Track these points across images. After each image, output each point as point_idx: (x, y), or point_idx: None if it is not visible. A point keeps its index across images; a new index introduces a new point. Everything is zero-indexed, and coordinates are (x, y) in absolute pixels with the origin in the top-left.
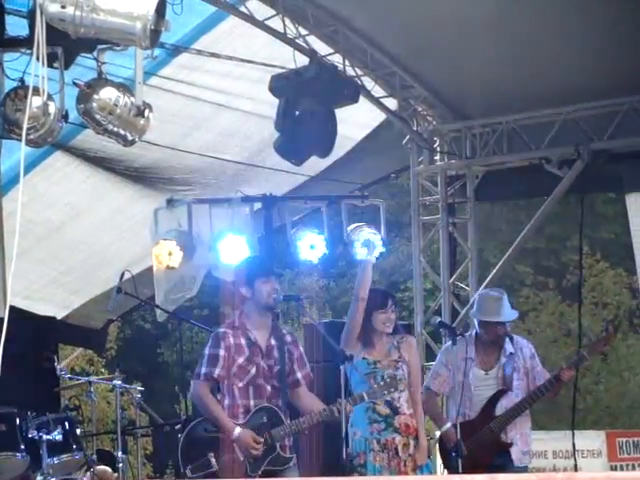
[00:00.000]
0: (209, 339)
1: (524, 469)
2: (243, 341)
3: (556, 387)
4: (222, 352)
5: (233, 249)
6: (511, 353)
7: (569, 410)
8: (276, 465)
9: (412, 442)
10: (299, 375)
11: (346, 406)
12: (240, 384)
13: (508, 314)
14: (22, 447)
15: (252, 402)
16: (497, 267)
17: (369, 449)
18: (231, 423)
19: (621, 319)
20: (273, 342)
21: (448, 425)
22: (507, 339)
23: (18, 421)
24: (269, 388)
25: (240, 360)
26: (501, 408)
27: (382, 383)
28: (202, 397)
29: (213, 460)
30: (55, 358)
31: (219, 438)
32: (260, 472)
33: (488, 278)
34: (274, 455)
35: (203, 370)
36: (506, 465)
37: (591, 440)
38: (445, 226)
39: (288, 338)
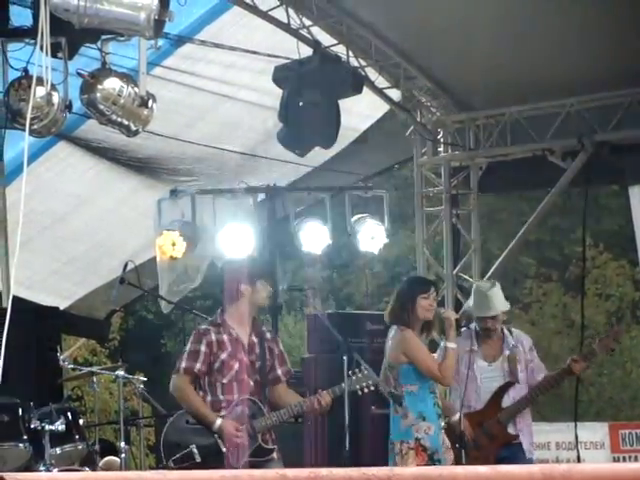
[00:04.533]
0: (191, 335)
1: (532, 460)
2: (225, 337)
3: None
4: (203, 348)
5: (236, 240)
6: (514, 345)
7: (572, 401)
8: (258, 456)
9: None
10: (279, 372)
11: (325, 397)
12: (224, 380)
13: (495, 307)
14: (25, 437)
15: (236, 397)
16: (500, 259)
17: (443, 444)
18: (211, 414)
19: (624, 311)
20: (254, 339)
21: (458, 416)
22: (507, 331)
23: (21, 411)
24: (252, 383)
25: (223, 356)
26: (509, 400)
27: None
28: (183, 389)
29: (195, 451)
30: (58, 348)
31: (201, 429)
32: (242, 463)
33: (491, 270)
34: (256, 446)
35: (183, 364)
36: (517, 457)
37: (594, 432)
38: (448, 217)
39: (267, 335)
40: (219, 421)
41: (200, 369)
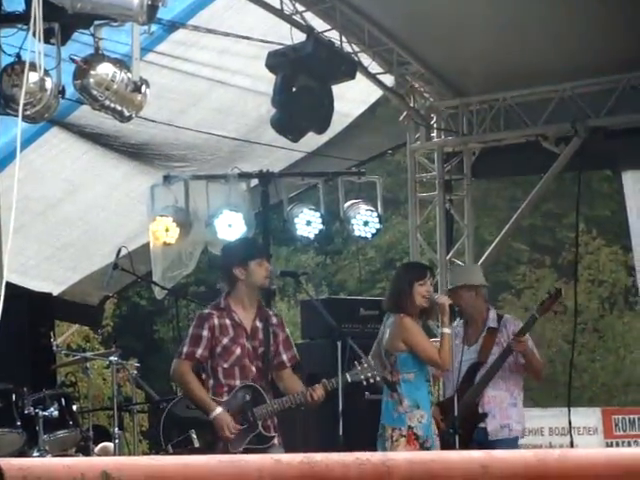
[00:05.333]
0: (194, 319)
1: (503, 442)
2: (228, 322)
3: (534, 366)
4: (205, 333)
5: (230, 225)
6: (491, 327)
7: (565, 387)
8: (258, 444)
9: None
10: (285, 357)
11: (317, 391)
12: (225, 365)
13: (454, 281)
14: (18, 423)
15: (237, 382)
16: (493, 244)
17: (433, 433)
18: (211, 402)
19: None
20: (258, 324)
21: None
22: (494, 315)
23: (14, 397)
24: (254, 369)
25: (225, 341)
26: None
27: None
28: (183, 375)
29: (194, 437)
30: (51, 334)
31: (201, 415)
32: (241, 450)
33: (484, 255)
34: (256, 433)
35: (185, 349)
36: (482, 440)
37: (587, 417)
38: (442, 203)
39: (274, 320)
40: (217, 411)
41: (202, 354)
